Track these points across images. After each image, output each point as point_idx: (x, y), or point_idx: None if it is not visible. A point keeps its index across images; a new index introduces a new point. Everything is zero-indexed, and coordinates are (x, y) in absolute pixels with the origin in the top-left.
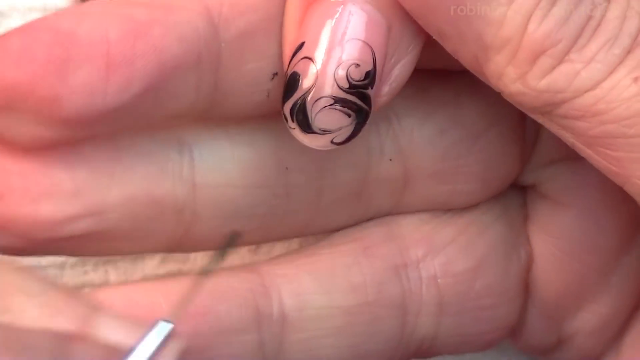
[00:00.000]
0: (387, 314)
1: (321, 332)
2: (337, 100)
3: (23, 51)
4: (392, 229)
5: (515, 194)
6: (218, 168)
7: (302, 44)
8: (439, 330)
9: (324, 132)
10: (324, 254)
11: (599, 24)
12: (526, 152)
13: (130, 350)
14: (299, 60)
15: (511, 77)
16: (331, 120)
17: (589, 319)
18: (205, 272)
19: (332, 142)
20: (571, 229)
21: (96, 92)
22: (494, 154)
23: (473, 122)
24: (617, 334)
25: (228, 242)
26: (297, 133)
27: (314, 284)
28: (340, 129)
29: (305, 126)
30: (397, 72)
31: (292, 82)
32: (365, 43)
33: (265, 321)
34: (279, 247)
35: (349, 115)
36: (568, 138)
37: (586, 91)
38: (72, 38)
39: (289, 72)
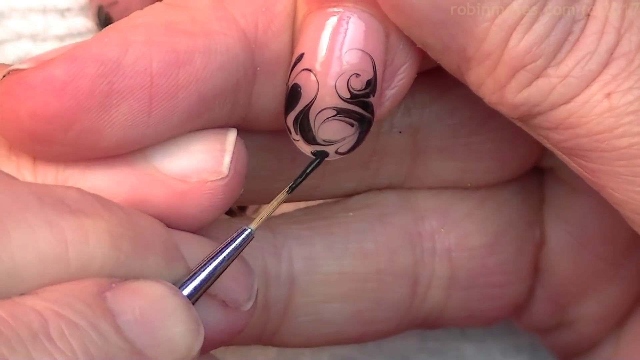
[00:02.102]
0: (397, 283)
1: (328, 297)
2: (340, 111)
3: (66, 83)
4: (408, 197)
5: (533, 175)
6: None
7: (301, 55)
8: (447, 303)
9: (328, 143)
10: (339, 217)
11: (577, 40)
12: None
13: (218, 251)
14: (299, 72)
15: (490, 88)
16: (335, 131)
17: (593, 307)
18: (290, 189)
19: (336, 152)
20: (586, 217)
21: (138, 125)
22: (508, 134)
23: (484, 102)
24: (619, 322)
25: (313, 163)
26: (301, 145)
27: (326, 249)
28: (344, 139)
29: (309, 138)
30: (399, 77)
31: (293, 94)
32: (365, 52)
33: (272, 282)
34: None
35: (352, 125)
36: (546, 144)
37: (561, 105)
38: (116, 70)
39: (290, 84)
